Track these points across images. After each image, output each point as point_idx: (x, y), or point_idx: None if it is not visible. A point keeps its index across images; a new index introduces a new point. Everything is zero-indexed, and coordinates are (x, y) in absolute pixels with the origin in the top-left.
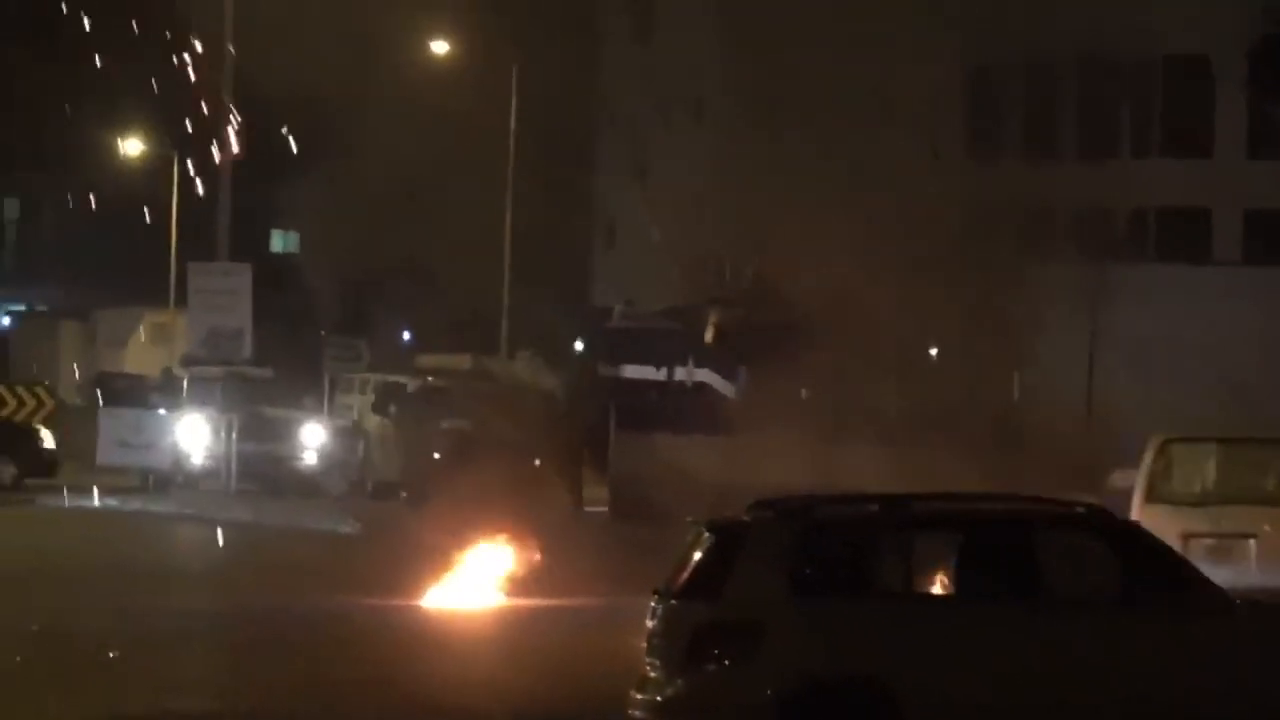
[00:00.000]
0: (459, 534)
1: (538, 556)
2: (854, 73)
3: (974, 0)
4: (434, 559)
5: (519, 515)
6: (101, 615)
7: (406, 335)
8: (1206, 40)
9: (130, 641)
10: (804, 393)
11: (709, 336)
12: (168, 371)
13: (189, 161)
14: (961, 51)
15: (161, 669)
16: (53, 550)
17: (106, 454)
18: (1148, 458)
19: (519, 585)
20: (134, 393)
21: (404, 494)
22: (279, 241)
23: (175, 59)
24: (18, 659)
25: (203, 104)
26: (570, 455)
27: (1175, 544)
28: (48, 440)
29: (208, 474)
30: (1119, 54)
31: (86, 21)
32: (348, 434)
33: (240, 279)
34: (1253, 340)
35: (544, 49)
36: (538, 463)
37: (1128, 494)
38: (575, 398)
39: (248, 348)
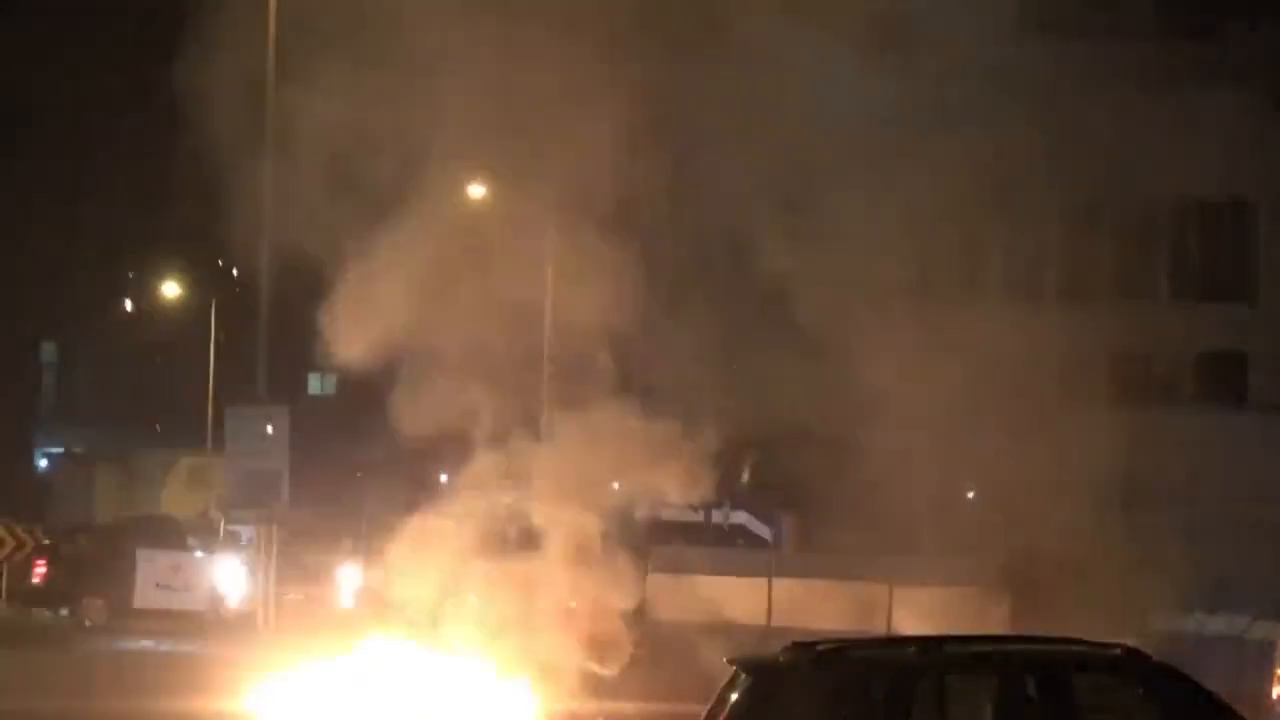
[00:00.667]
0: (490, 673)
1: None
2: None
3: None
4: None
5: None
6: None
7: (444, 477)
8: (1246, 182)
9: None
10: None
11: (744, 478)
12: (204, 514)
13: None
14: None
15: None
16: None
17: (144, 596)
18: None
19: None
20: (172, 535)
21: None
22: (315, 384)
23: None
24: None
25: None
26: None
27: None
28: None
29: (244, 616)
30: (1157, 196)
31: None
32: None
33: (278, 421)
34: None
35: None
36: (573, 605)
37: (1166, 635)
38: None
39: (285, 490)
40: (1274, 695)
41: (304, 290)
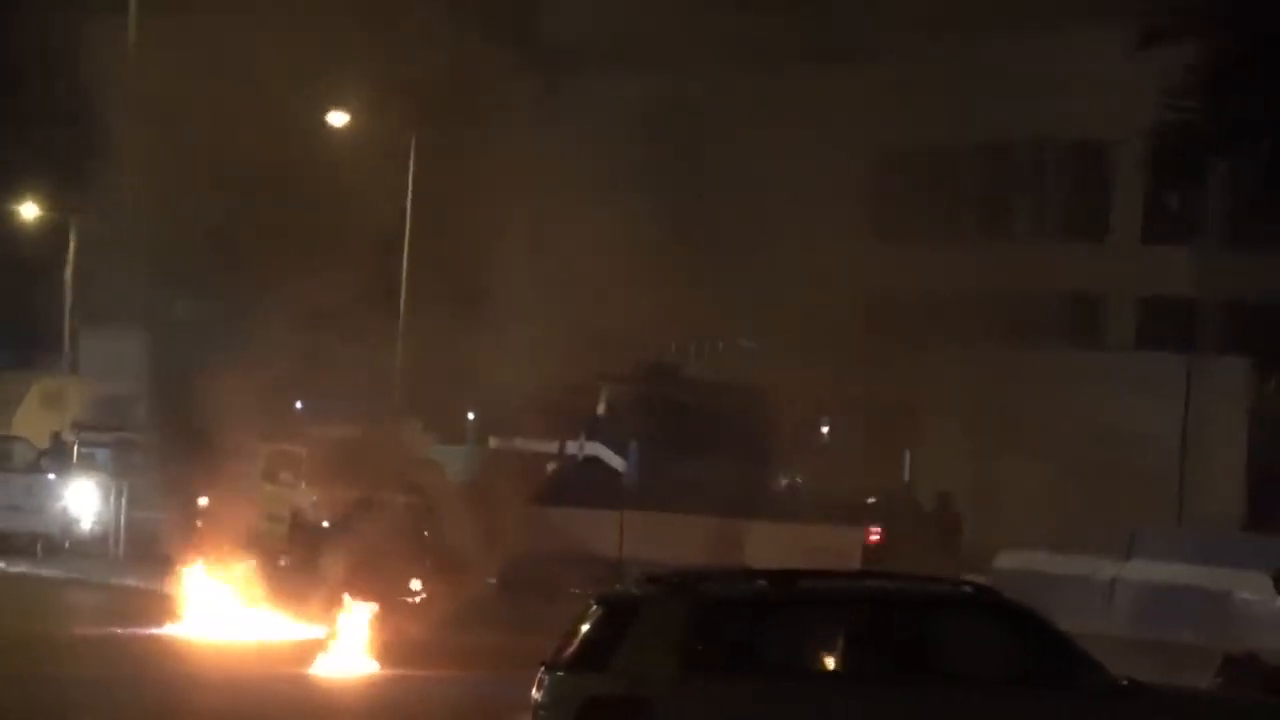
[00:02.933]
0: (342, 601)
1: (417, 626)
2: (759, 158)
3: (879, 89)
4: (314, 627)
5: (405, 585)
6: None
7: (298, 405)
8: (1105, 125)
9: (7, 705)
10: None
11: (600, 410)
12: (57, 436)
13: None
14: (866, 138)
15: None
16: None
17: None
18: None
19: (401, 655)
20: (25, 457)
21: (282, 561)
22: (176, 307)
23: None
24: None
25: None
26: (461, 527)
27: None
28: None
29: (97, 539)
30: (1018, 138)
31: None
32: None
33: (135, 344)
34: (1141, 425)
35: (441, 120)
36: (426, 534)
37: (1015, 574)
38: (478, 470)
39: (140, 413)
40: None
41: (164, 212)
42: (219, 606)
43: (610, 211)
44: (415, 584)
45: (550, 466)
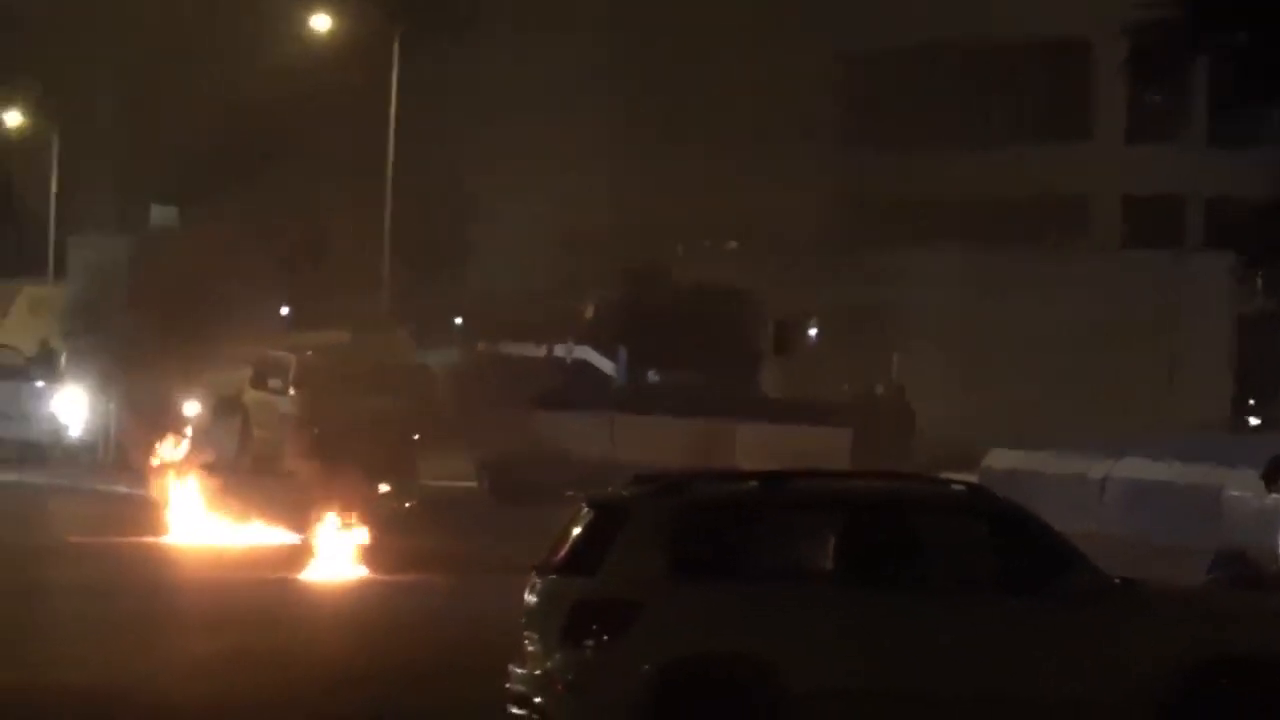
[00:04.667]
0: (332, 507)
1: (407, 531)
2: (738, 62)
3: None
4: (304, 533)
5: (394, 489)
6: None
7: (285, 310)
8: (1086, 23)
9: (13, 619)
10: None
11: (588, 314)
12: (45, 344)
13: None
14: (835, 40)
15: (32, 643)
16: None
17: None
18: None
19: (391, 560)
20: (12, 364)
21: (279, 466)
22: (158, 215)
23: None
24: None
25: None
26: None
27: None
28: None
29: (86, 447)
30: (995, 38)
31: None
32: (227, 408)
33: (120, 252)
34: (1129, 325)
35: (424, 27)
36: (416, 437)
37: (1006, 474)
38: (463, 374)
39: (126, 320)
40: None
41: (149, 120)
42: (207, 514)
43: (593, 115)
44: (405, 488)
45: (537, 370)
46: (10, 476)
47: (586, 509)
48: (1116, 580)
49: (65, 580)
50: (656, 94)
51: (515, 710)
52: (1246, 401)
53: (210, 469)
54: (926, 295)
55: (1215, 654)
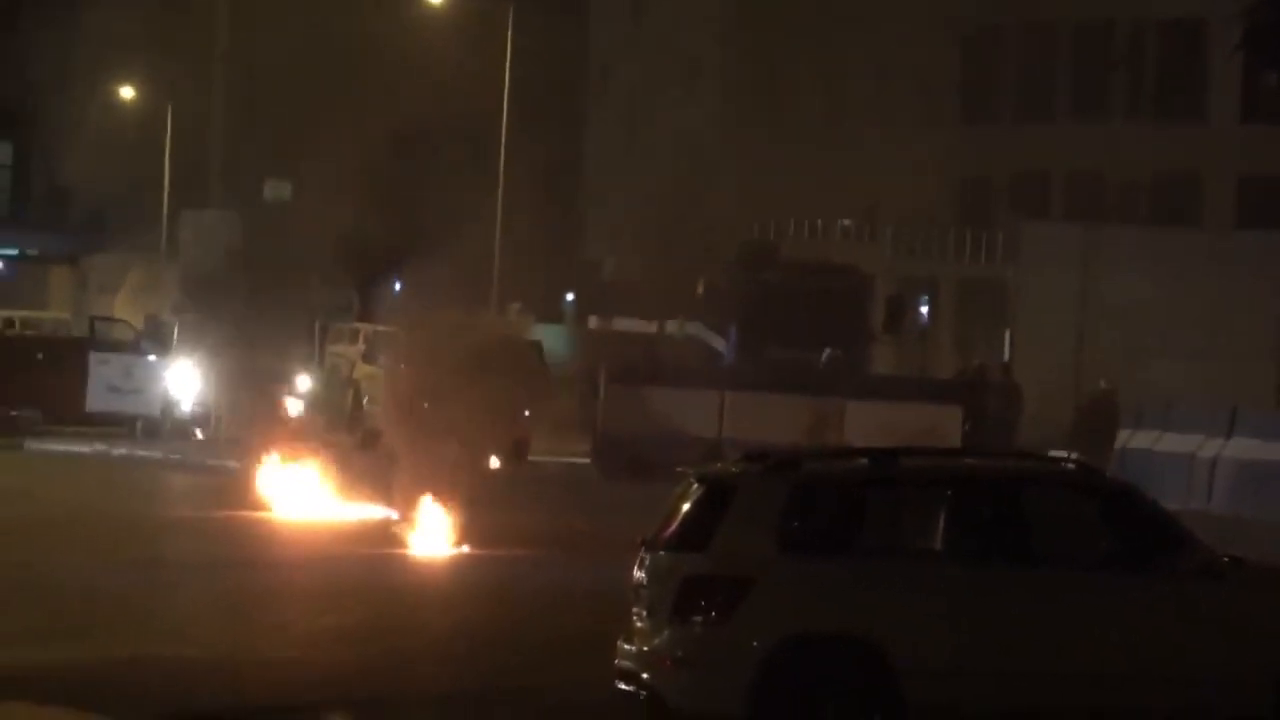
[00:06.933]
0: (440, 484)
1: (514, 506)
2: (853, 39)
3: None
4: (411, 508)
5: (504, 466)
6: (88, 561)
7: (397, 287)
8: (1202, 2)
9: (116, 588)
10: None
11: (699, 291)
12: (154, 318)
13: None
14: (958, 16)
15: (146, 616)
16: (42, 496)
17: (96, 400)
18: None
19: (498, 536)
20: (125, 339)
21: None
22: (272, 190)
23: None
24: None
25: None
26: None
27: None
28: None
29: (196, 421)
30: (1113, 17)
31: None
32: (338, 383)
33: (231, 227)
34: (1242, 305)
35: (536, 5)
36: (527, 414)
37: (1117, 452)
38: (575, 350)
39: (238, 295)
40: None
41: (261, 96)
42: (317, 489)
43: (707, 95)
44: (515, 465)
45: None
46: (122, 450)
47: (695, 484)
48: (1225, 559)
49: (174, 555)
50: (772, 72)
51: (623, 685)
52: None
53: (321, 444)
54: (1042, 272)
55: None
